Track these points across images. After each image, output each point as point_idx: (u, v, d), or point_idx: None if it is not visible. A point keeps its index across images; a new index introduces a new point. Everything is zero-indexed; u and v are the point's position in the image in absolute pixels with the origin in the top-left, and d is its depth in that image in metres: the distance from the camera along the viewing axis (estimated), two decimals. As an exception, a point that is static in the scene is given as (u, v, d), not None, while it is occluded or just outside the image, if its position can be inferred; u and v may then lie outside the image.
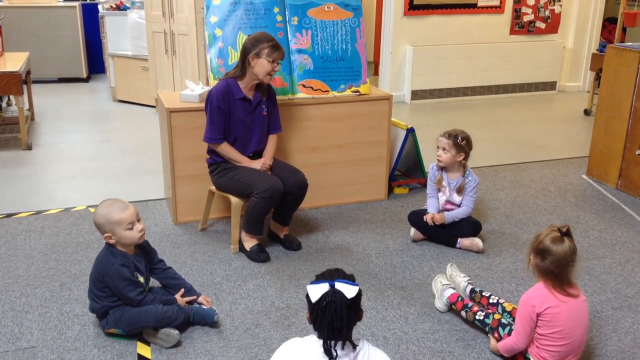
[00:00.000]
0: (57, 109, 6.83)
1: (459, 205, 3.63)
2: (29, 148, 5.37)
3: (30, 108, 6.28)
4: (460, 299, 2.86)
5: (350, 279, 1.88)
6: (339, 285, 1.82)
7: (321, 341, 1.86)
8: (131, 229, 2.60)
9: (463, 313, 2.82)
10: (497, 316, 2.68)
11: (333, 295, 1.81)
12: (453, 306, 2.88)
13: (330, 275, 1.89)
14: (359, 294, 1.87)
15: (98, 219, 2.61)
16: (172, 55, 6.26)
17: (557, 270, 2.38)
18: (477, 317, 2.73)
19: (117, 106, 7.06)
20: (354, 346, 1.88)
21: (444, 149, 3.54)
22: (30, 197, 4.31)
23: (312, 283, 1.87)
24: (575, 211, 4.18)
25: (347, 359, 1.87)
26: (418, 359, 2.60)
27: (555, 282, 2.40)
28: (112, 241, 2.62)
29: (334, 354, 1.84)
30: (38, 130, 5.98)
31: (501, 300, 2.83)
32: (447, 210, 3.64)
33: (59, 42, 7.96)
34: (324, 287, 1.83)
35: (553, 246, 2.36)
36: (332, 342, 1.84)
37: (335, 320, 1.80)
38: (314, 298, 1.83)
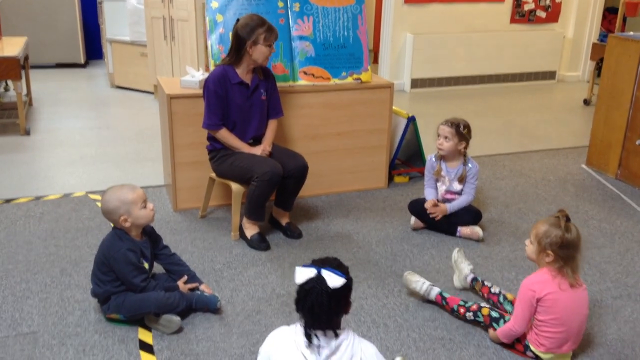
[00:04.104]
0: (55, 94, 6.80)
1: (459, 194, 3.63)
2: (27, 133, 5.34)
3: (28, 93, 6.24)
4: (444, 302, 2.81)
5: (341, 270, 1.87)
6: (325, 273, 1.82)
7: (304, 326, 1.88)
8: (145, 207, 2.62)
9: (453, 315, 2.80)
10: (485, 311, 2.66)
11: (316, 281, 1.81)
12: (442, 308, 2.87)
13: (323, 262, 1.89)
14: (346, 287, 1.85)
15: (112, 203, 2.59)
16: (171, 41, 6.22)
17: (576, 254, 2.44)
18: (467, 318, 2.73)
19: (115, 92, 7.03)
20: (336, 335, 1.88)
21: (445, 138, 3.53)
22: (29, 183, 4.30)
23: (303, 266, 1.88)
24: (575, 201, 4.19)
25: (327, 348, 1.86)
26: (419, 346, 2.61)
27: (573, 266, 2.45)
28: (127, 224, 2.61)
29: (315, 341, 1.85)
30: (36, 116, 5.94)
31: (503, 291, 2.84)
32: (448, 199, 3.64)
33: (57, 27, 7.90)
34: (310, 272, 1.84)
35: (571, 235, 2.42)
36: (312, 328, 1.84)
37: (315, 306, 1.81)
38: (298, 280, 1.85)
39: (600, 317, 2.85)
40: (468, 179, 3.59)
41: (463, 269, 3.01)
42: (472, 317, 2.70)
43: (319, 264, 1.89)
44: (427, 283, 2.90)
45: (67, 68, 8.11)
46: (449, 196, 3.65)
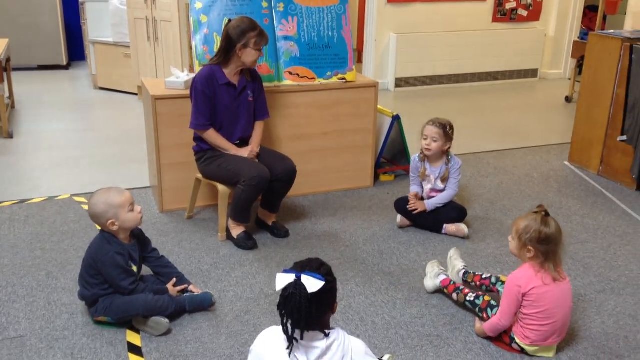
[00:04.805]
0: (38, 96, 6.73)
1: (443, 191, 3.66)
2: (10, 136, 5.30)
3: (11, 96, 6.17)
4: (452, 282, 2.92)
5: (322, 272, 1.87)
6: (304, 278, 1.82)
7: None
8: (132, 210, 2.62)
9: (454, 295, 2.87)
10: (487, 298, 2.74)
11: (295, 287, 1.82)
12: (445, 290, 2.93)
13: (303, 266, 1.90)
14: (326, 289, 1.85)
15: (98, 207, 2.58)
16: (155, 42, 6.20)
17: (557, 248, 2.49)
18: (467, 299, 2.79)
19: (98, 94, 6.98)
20: (326, 335, 1.88)
21: (433, 139, 3.56)
22: (13, 186, 4.26)
23: (284, 271, 1.88)
24: (558, 197, 4.24)
25: (318, 349, 1.87)
26: (407, 343, 2.63)
27: (555, 260, 2.50)
28: (115, 228, 2.60)
29: (293, 341, 1.86)
30: (19, 119, 5.89)
31: (494, 274, 2.92)
32: (432, 197, 3.67)
33: (39, 28, 7.82)
34: (289, 278, 1.84)
35: (550, 229, 2.46)
36: (290, 329, 1.85)
37: (294, 311, 1.82)
38: (278, 286, 1.85)
39: (585, 311, 2.89)
40: (451, 174, 3.63)
41: (457, 265, 3.07)
42: (472, 299, 2.78)
43: (299, 268, 1.89)
44: (443, 270, 3.03)
45: (49, 70, 8.03)
46: (433, 194, 3.68)
